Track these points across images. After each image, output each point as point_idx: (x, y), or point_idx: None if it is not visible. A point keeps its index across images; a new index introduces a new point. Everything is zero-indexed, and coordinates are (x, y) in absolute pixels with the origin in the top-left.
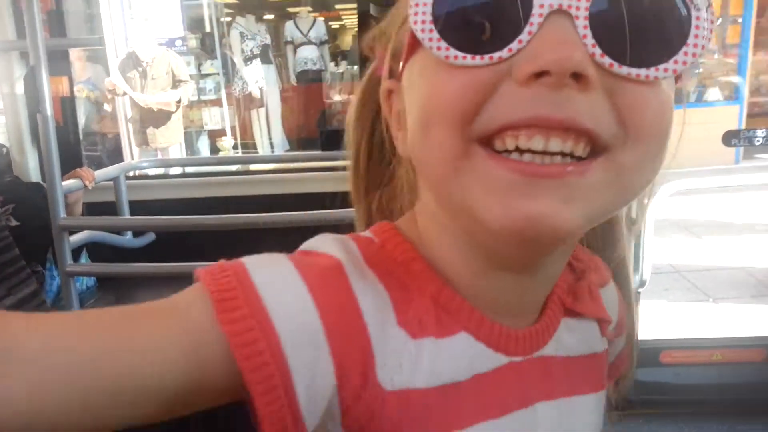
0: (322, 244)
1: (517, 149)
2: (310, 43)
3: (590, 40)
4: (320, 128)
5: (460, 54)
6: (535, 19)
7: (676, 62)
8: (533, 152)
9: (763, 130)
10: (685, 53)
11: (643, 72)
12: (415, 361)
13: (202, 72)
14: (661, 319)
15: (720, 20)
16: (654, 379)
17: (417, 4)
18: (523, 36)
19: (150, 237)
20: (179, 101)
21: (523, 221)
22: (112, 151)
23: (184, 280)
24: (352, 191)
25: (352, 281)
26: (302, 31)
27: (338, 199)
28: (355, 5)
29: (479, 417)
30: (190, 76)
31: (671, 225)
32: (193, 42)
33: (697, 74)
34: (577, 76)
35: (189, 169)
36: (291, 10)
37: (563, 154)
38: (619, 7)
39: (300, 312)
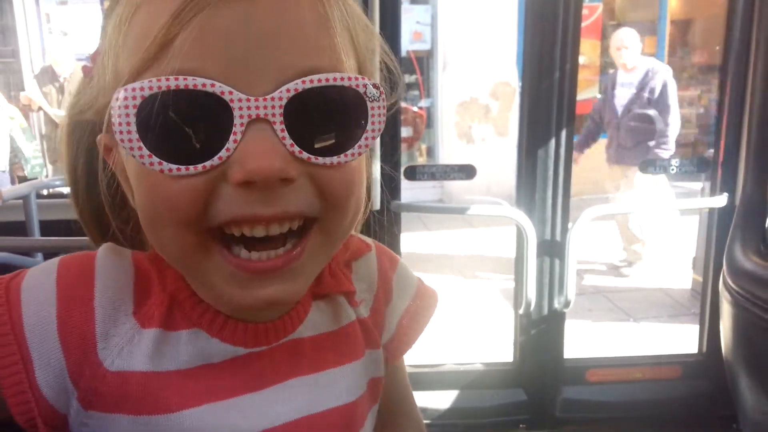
0: (102, 247)
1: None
2: None
3: (289, 141)
4: None
5: (173, 166)
6: (238, 128)
7: (359, 147)
8: (257, 239)
9: (677, 159)
10: (365, 138)
11: (333, 159)
12: (138, 348)
13: None
14: (587, 339)
15: None
16: (581, 397)
17: (120, 123)
18: (230, 144)
19: None
20: None
21: (263, 302)
22: None
23: None
24: (81, 220)
25: (98, 278)
26: None
27: None
28: None
29: (203, 399)
30: None
31: (594, 248)
32: None
33: None
34: (282, 179)
35: None
36: None
37: (282, 235)
38: (308, 113)
39: (42, 308)
